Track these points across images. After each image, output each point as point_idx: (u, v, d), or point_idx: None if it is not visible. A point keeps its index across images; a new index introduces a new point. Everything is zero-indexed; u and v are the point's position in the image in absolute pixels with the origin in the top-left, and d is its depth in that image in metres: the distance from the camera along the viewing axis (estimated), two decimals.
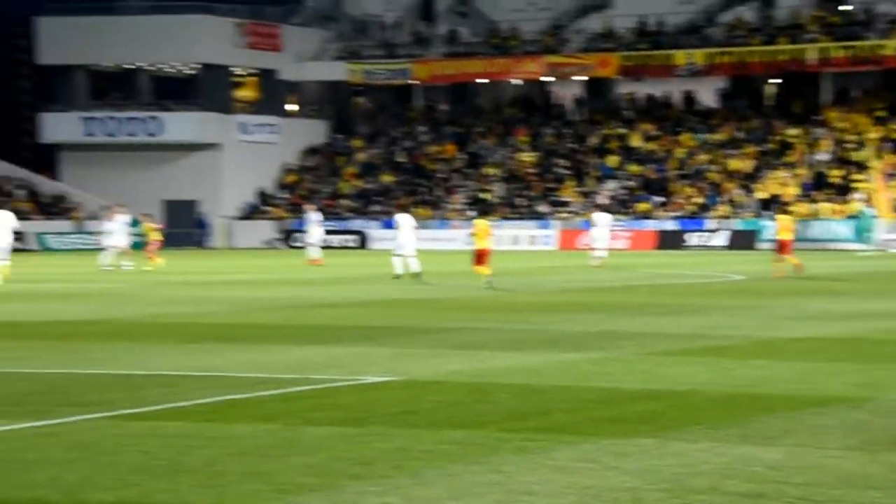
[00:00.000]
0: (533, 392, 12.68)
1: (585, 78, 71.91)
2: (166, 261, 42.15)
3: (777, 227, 34.61)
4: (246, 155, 71.65)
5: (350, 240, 64.92)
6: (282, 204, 71.42)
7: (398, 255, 32.87)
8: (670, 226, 62.11)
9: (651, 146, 69.57)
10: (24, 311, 22.99)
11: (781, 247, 33.98)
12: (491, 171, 70.81)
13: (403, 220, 33.71)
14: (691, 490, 8.42)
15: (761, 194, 62.70)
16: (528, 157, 71.16)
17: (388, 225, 44.66)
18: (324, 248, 46.28)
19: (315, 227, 44.78)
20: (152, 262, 41.27)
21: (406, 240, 32.69)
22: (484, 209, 37.96)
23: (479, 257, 29.95)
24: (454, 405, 11.87)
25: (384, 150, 75.29)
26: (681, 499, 8.21)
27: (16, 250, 55.83)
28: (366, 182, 72.76)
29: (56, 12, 72.62)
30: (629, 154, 69.30)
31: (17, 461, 9.29)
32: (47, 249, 62.50)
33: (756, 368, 14.57)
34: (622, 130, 70.99)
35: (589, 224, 45.11)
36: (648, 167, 67.84)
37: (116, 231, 42.32)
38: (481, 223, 30.81)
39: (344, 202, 70.42)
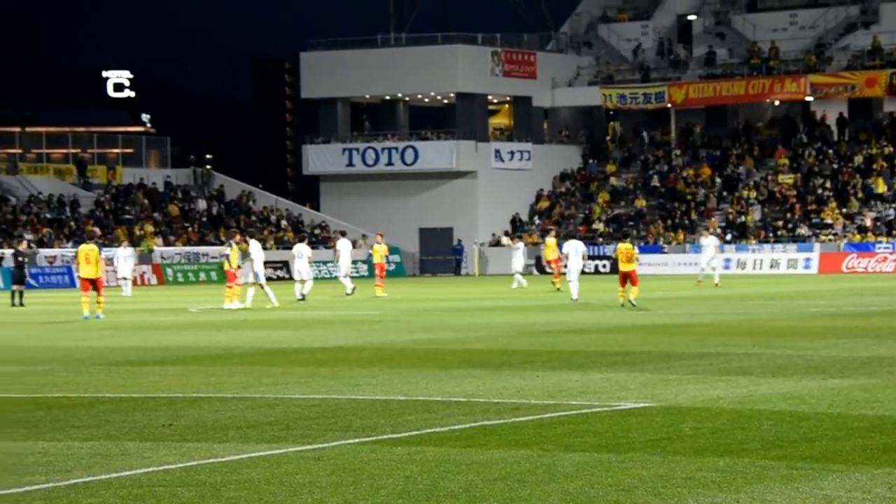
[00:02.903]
0: (797, 419, 12.28)
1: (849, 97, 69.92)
2: (417, 288, 42.40)
3: None
4: (500, 182, 72.22)
5: (603, 265, 64.60)
6: (535, 230, 71.65)
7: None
8: None
9: None
10: (290, 339, 23.69)
11: None
12: (748, 193, 69.40)
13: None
14: None
15: None
16: (787, 178, 69.46)
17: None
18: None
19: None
20: (380, 288, 41.34)
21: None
22: (626, 233, 38.62)
23: (623, 279, 31.31)
24: (716, 432, 11.59)
25: (638, 174, 74.74)
26: None
27: (279, 279, 57.82)
28: (619, 207, 72.35)
29: (319, 47, 75.05)
30: None
31: (286, 484, 9.52)
32: None
33: None
34: (889, 150, 68.55)
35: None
36: None
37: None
38: (624, 247, 31.51)
39: (597, 227, 70.19)
